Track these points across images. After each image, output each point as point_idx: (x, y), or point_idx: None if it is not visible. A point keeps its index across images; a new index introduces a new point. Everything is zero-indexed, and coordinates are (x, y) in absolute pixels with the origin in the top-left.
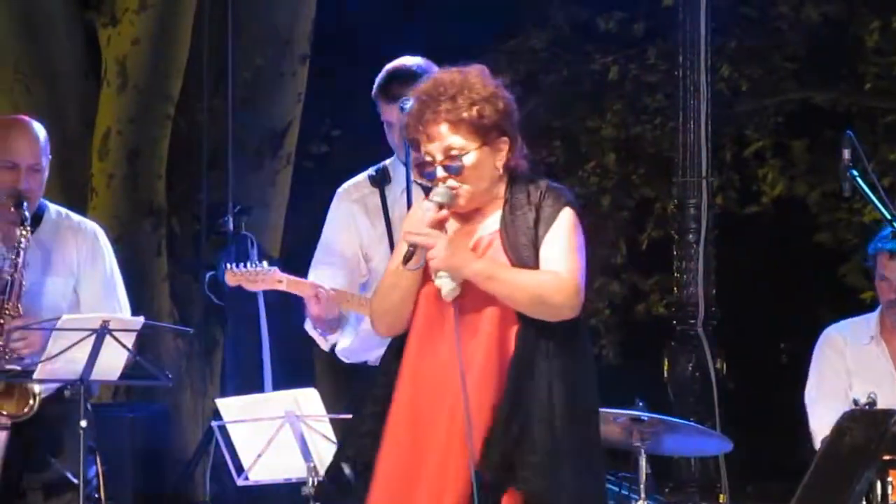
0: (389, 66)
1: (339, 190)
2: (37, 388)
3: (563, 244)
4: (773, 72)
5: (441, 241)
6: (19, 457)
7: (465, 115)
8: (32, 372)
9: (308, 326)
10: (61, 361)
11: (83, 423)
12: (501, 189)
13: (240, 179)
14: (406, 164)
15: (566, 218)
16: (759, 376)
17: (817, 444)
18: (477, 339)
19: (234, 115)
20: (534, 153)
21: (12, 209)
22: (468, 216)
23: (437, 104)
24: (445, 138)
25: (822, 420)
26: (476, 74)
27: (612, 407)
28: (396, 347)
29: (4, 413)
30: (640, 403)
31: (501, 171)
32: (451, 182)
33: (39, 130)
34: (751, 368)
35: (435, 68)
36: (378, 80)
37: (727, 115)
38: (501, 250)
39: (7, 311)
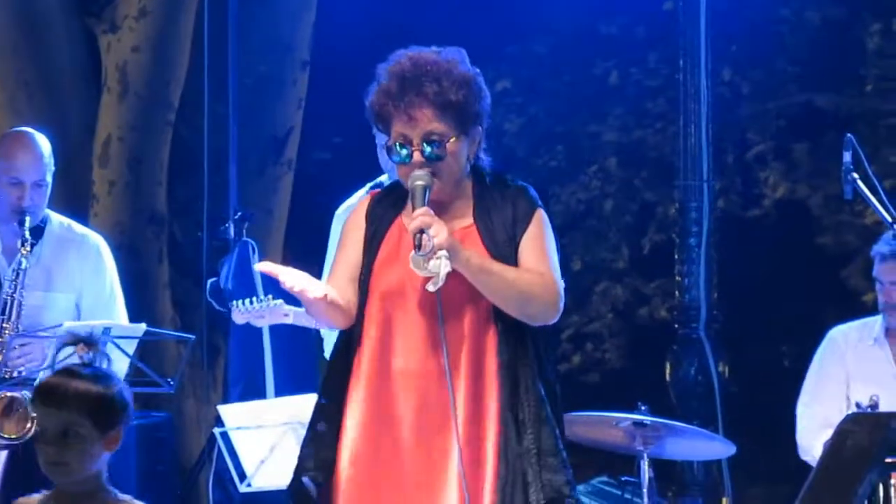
0: None
1: (337, 211)
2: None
3: (541, 246)
4: (775, 75)
5: (437, 221)
6: (19, 475)
7: (451, 98)
8: (33, 381)
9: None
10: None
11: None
12: (468, 182)
13: (241, 186)
14: None
15: (541, 218)
16: (761, 379)
17: (802, 455)
18: (459, 337)
19: (235, 122)
20: (536, 158)
21: (16, 225)
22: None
23: (422, 85)
24: (429, 122)
25: (808, 434)
26: (456, 58)
27: (614, 411)
28: (345, 346)
29: (4, 434)
30: (643, 407)
31: (471, 162)
32: (428, 164)
33: (44, 145)
34: (753, 372)
35: None
36: None
37: (728, 118)
38: (479, 244)
39: (6, 331)
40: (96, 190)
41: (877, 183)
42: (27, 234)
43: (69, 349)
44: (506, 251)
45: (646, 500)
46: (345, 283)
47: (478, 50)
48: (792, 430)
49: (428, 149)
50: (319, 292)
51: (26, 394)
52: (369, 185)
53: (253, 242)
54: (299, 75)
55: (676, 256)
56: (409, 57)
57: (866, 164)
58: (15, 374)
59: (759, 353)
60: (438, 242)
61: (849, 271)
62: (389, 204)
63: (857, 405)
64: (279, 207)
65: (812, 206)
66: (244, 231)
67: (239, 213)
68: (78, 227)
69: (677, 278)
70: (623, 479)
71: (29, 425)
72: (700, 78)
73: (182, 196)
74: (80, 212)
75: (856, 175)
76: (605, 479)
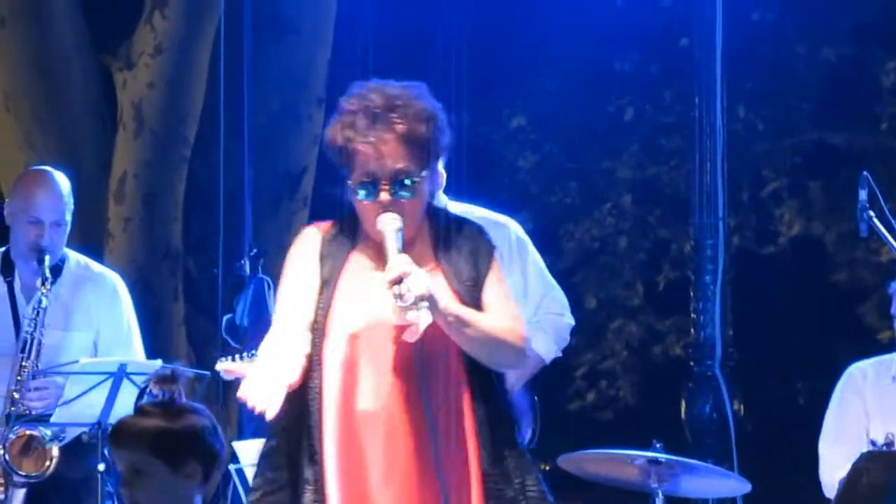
0: None
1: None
2: (55, 450)
3: (504, 289)
4: (789, 112)
5: (417, 268)
6: None
7: (420, 135)
8: (49, 417)
9: None
10: (79, 405)
11: (101, 468)
12: (424, 220)
13: (256, 222)
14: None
15: (498, 260)
16: (776, 417)
17: (826, 492)
18: (433, 379)
19: (251, 159)
20: (550, 195)
21: (35, 263)
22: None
23: (390, 121)
24: (398, 160)
25: (831, 462)
26: (421, 91)
27: (629, 448)
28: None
29: (22, 472)
30: (658, 445)
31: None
32: (395, 203)
33: (63, 184)
34: (768, 409)
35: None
36: None
37: (743, 155)
38: (446, 288)
39: (25, 370)
40: (111, 226)
41: (892, 220)
42: (47, 272)
43: (84, 382)
44: (473, 294)
45: None
46: (302, 329)
47: (492, 87)
48: (807, 467)
49: (397, 188)
50: (280, 399)
51: (46, 432)
52: None
53: (268, 279)
54: (314, 111)
55: (692, 294)
56: (375, 90)
57: (882, 202)
58: (31, 412)
59: (774, 390)
60: (420, 294)
61: (864, 309)
62: (343, 241)
63: (873, 443)
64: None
65: (827, 244)
66: (259, 267)
67: (254, 250)
68: (95, 266)
69: (692, 315)
70: None
71: (47, 463)
72: (715, 115)
73: (197, 232)
74: (95, 248)
75: (871, 213)
76: None
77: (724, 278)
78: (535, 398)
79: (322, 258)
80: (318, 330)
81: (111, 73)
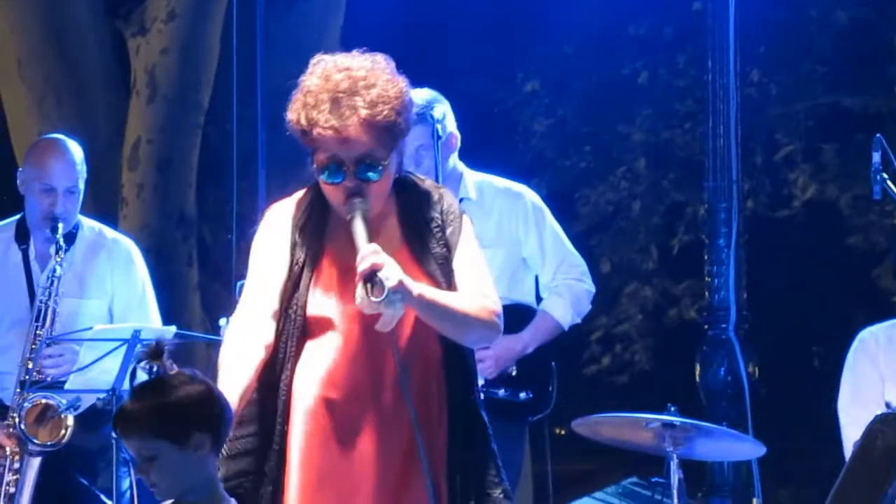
0: (420, 93)
1: None
2: (70, 419)
3: (475, 261)
4: (803, 76)
5: (388, 260)
6: (50, 481)
7: (386, 117)
8: (63, 383)
9: None
10: (94, 372)
11: (115, 434)
12: (391, 195)
13: (270, 188)
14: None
15: (469, 228)
16: (791, 380)
17: (848, 454)
18: (418, 368)
19: (264, 124)
20: (565, 159)
21: (48, 231)
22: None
23: (356, 105)
24: (364, 144)
25: (853, 430)
26: (387, 67)
27: (644, 412)
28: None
29: (37, 441)
30: (673, 408)
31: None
32: (361, 187)
33: (76, 151)
34: (783, 372)
35: (441, 102)
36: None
37: (757, 119)
38: (416, 269)
39: (39, 338)
40: (125, 193)
41: None
42: (60, 240)
43: (98, 348)
44: (444, 272)
45: (675, 501)
46: (267, 321)
47: (506, 51)
48: (822, 430)
49: (362, 172)
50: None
51: (61, 400)
52: None
53: None
54: None
55: (706, 257)
56: (339, 69)
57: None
58: (47, 379)
59: (789, 353)
60: (392, 286)
61: (878, 271)
62: (314, 227)
63: (888, 405)
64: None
65: (841, 207)
66: None
67: None
68: (109, 232)
69: (706, 279)
70: (653, 480)
71: (63, 432)
72: (729, 78)
73: (211, 199)
74: (109, 215)
75: (885, 175)
76: (634, 480)
77: (739, 242)
78: (553, 364)
79: (294, 247)
80: (293, 321)
81: (124, 40)
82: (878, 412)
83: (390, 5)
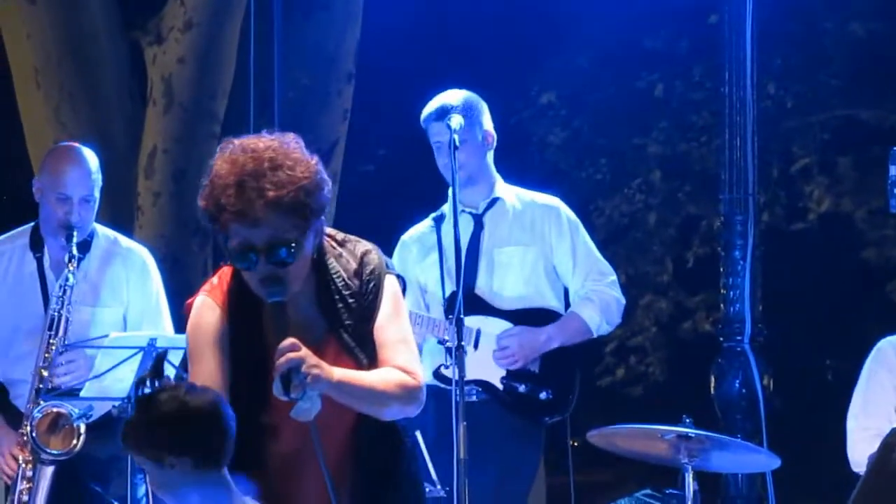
0: (440, 95)
1: (403, 238)
2: (82, 426)
3: (398, 329)
4: (819, 88)
5: (307, 355)
6: (63, 489)
7: (294, 198)
8: (79, 391)
9: None
10: (109, 380)
11: None
12: (310, 273)
13: None
14: (453, 188)
15: (392, 290)
16: (805, 393)
17: (854, 467)
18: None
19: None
20: (580, 171)
21: (64, 240)
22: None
23: (263, 187)
24: (273, 227)
25: (858, 435)
26: (296, 147)
27: (659, 424)
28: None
29: (50, 450)
30: (688, 420)
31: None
32: (276, 272)
33: (92, 160)
34: (797, 385)
35: (479, 102)
36: (428, 106)
37: (773, 132)
38: (341, 354)
39: (52, 346)
40: (141, 202)
41: None
42: (74, 249)
43: (114, 356)
44: (361, 343)
45: None
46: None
47: (522, 63)
48: (836, 442)
49: (275, 256)
50: None
51: (73, 409)
52: (432, 216)
53: None
54: (344, 87)
55: (721, 269)
56: (244, 149)
57: None
58: (62, 387)
59: (803, 366)
60: (311, 384)
61: (893, 285)
62: (246, 317)
63: None
64: (324, 219)
65: (856, 220)
66: None
67: None
68: (124, 241)
69: (722, 291)
70: (667, 491)
71: (75, 441)
72: (746, 90)
73: None
74: (124, 223)
75: None
76: (648, 491)
77: (754, 254)
78: (578, 371)
79: (234, 343)
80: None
81: (141, 49)
82: (888, 422)
83: (407, 17)
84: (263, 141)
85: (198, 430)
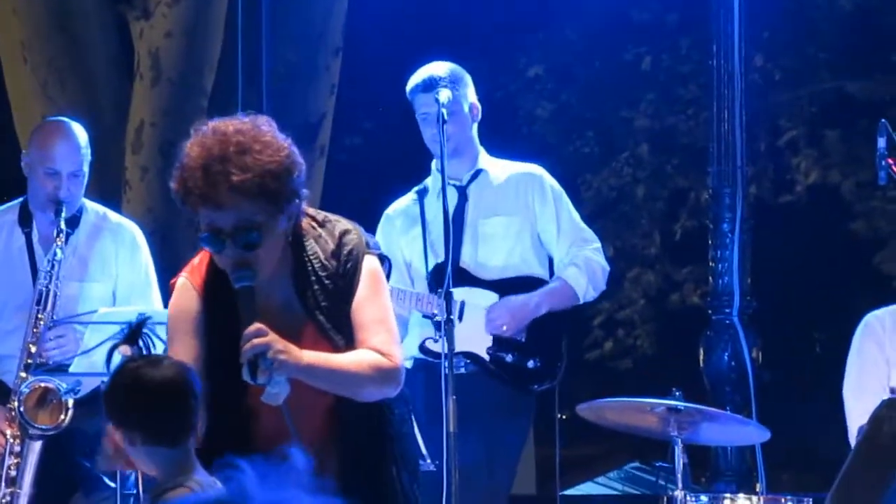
0: (425, 67)
1: (387, 212)
2: (70, 402)
3: (377, 309)
4: (807, 61)
5: (273, 339)
6: (51, 464)
7: (261, 182)
8: (67, 367)
9: None
10: (97, 355)
11: None
12: (288, 252)
13: None
14: (441, 161)
15: (371, 270)
16: (794, 365)
17: (853, 438)
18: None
19: (268, 108)
20: (568, 144)
21: (53, 215)
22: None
23: (229, 172)
24: (240, 211)
25: (858, 414)
26: (267, 131)
27: (648, 397)
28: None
29: (38, 425)
30: (677, 393)
31: (290, 237)
32: (245, 256)
33: (81, 135)
34: (786, 357)
35: (465, 74)
36: (414, 78)
37: (761, 105)
38: (308, 328)
39: (41, 321)
40: (129, 176)
41: None
42: (62, 224)
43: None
44: (336, 325)
45: (679, 485)
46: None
47: (510, 36)
48: (825, 414)
49: (242, 240)
50: None
51: (61, 384)
52: (415, 189)
53: None
54: (332, 61)
55: (710, 242)
56: (215, 132)
57: None
58: (50, 362)
59: (792, 338)
60: (278, 369)
61: (881, 257)
62: (224, 302)
63: (892, 390)
64: (312, 193)
65: (844, 192)
66: None
67: None
68: (113, 216)
69: (710, 264)
70: (656, 464)
71: (63, 416)
72: (734, 63)
73: None
74: (112, 198)
75: (890, 161)
76: (638, 464)
77: (742, 227)
78: (564, 339)
79: (210, 326)
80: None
81: (128, 23)
82: (884, 397)
83: None
84: (234, 124)
85: (146, 404)
